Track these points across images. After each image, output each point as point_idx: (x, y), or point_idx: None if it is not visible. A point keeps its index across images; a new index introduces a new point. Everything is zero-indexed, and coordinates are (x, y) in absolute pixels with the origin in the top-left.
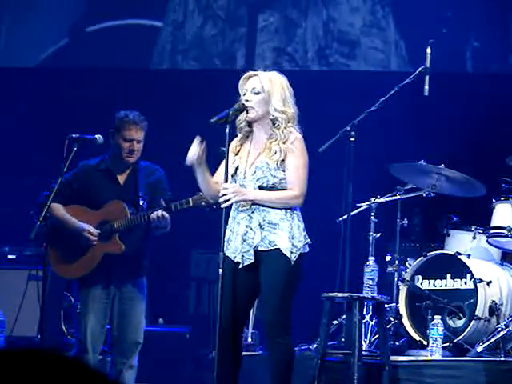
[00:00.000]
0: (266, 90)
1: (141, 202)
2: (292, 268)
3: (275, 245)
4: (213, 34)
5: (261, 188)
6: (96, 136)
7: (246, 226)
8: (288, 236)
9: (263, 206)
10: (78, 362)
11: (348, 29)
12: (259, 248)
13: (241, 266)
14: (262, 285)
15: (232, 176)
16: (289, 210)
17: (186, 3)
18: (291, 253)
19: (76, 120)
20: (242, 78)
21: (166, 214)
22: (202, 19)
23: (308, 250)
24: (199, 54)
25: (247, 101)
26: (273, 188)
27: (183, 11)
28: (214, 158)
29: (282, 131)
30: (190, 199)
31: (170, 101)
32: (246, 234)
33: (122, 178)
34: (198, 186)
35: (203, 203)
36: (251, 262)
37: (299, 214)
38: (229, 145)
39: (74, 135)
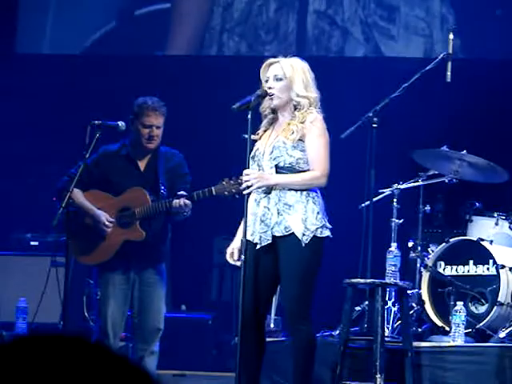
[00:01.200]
0: (287, 76)
1: (161, 189)
2: (306, 251)
3: (290, 230)
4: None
5: (277, 167)
6: (118, 122)
7: (264, 207)
8: (302, 218)
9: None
10: (101, 347)
11: None
12: (275, 234)
13: (258, 246)
14: (280, 271)
15: (252, 158)
16: (304, 193)
17: None
18: (303, 235)
19: (103, 108)
20: (263, 66)
21: (188, 202)
22: None
23: (327, 234)
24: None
25: (270, 88)
26: (290, 168)
27: None
28: (237, 145)
29: (302, 113)
30: (213, 188)
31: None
32: (264, 215)
33: (142, 164)
34: (221, 174)
35: (226, 193)
36: (269, 242)
37: (316, 197)
38: (251, 131)
39: (96, 121)
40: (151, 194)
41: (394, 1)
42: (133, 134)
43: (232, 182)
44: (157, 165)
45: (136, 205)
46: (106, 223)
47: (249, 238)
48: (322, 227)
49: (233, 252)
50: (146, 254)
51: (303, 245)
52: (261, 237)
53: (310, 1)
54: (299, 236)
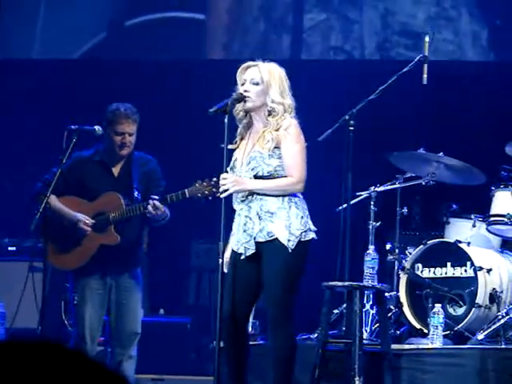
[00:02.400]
0: (264, 81)
1: (135, 194)
2: (291, 257)
3: (273, 235)
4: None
5: (256, 177)
6: (95, 127)
7: (246, 217)
8: (285, 224)
9: (261, 194)
10: (79, 353)
11: (410, 21)
12: (258, 240)
13: (243, 256)
14: (263, 276)
15: (231, 168)
16: (286, 199)
17: None
18: (288, 241)
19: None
20: (240, 68)
21: (159, 205)
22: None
23: (311, 237)
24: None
25: (246, 91)
26: (269, 176)
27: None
28: (214, 153)
29: (276, 120)
30: (186, 191)
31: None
32: (245, 225)
33: (116, 170)
34: (195, 176)
35: (199, 194)
36: (253, 252)
37: (298, 202)
38: (228, 135)
39: (73, 126)
40: (125, 199)
41: (418, 26)
42: (106, 139)
43: (205, 183)
44: (130, 170)
45: (110, 209)
46: (85, 221)
47: (233, 247)
48: (306, 231)
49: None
50: (122, 259)
51: (289, 250)
52: (245, 247)
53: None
54: (284, 242)
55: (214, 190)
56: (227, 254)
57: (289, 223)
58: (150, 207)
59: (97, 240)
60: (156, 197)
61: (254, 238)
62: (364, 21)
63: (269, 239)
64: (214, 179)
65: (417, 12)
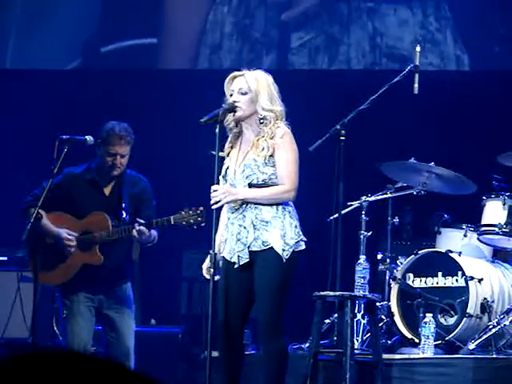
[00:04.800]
0: (253, 90)
1: (123, 214)
2: (285, 266)
3: (268, 244)
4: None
5: (250, 185)
6: (86, 137)
7: (240, 226)
8: (280, 234)
9: (255, 203)
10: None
11: (397, 44)
12: (252, 248)
13: (236, 265)
14: (255, 285)
15: (223, 177)
16: (280, 208)
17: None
18: (283, 251)
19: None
20: (227, 79)
21: (145, 230)
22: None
23: (304, 247)
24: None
25: (235, 101)
26: (263, 185)
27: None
28: (205, 160)
29: (270, 128)
30: (172, 218)
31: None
32: (239, 234)
33: (107, 189)
34: (182, 202)
35: (184, 223)
36: (246, 261)
37: (292, 211)
38: (219, 145)
39: (64, 136)
40: (113, 220)
41: (406, 50)
42: (99, 158)
43: (191, 212)
44: (121, 190)
45: (96, 229)
46: (68, 238)
47: (226, 255)
48: (299, 241)
49: (209, 267)
50: (108, 277)
51: (284, 260)
52: (239, 256)
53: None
54: (279, 252)
55: (199, 219)
56: (209, 260)
57: (283, 232)
58: (134, 231)
59: (81, 258)
60: (142, 221)
61: (249, 247)
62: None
63: (264, 248)
64: (201, 208)
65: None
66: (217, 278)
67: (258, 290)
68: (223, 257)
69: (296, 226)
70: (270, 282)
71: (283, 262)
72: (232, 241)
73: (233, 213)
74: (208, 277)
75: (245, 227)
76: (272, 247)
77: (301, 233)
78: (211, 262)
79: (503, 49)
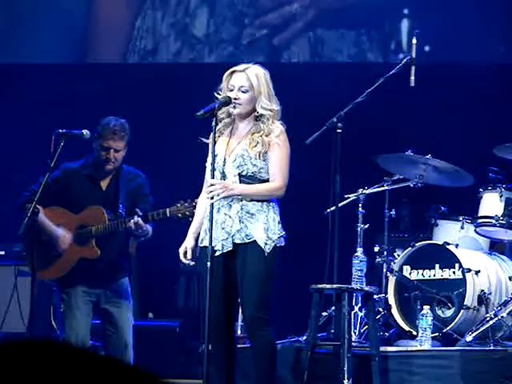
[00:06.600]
0: (254, 88)
1: (120, 209)
2: (267, 260)
3: (251, 237)
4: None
5: (240, 175)
6: (83, 131)
7: (225, 214)
8: (264, 227)
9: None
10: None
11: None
12: (235, 240)
13: (218, 253)
14: (240, 277)
15: (211, 164)
16: (265, 202)
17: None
18: (265, 244)
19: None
20: (226, 73)
21: (142, 223)
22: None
23: (284, 243)
24: None
25: (236, 99)
26: (252, 176)
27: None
28: (194, 148)
29: (267, 125)
30: (167, 210)
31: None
32: (224, 222)
33: (104, 183)
34: (178, 194)
35: (180, 215)
36: (229, 249)
37: (275, 206)
38: (214, 137)
39: (60, 130)
40: (109, 213)
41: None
42: (95, 152)
43: (187, 204)
44: (118, 184)
45: (93, 223)
46: (63, 239)
47: (206, 243)
48: (280, 237)
49: (186, 251)
50: (105, 271)
51: (265, 254)
52: (222, 244)
53: None
54: (261, 245)
55: (194, 211)
56: (186, 244)
57: (267, 226)
58: (131, 223)
59: (77, 252)
60: (140, 212)
61: (232, 237)
62: None
63: (247, 241)
64: (196, 200)
65: None
66: (192, 263)
67: (243, 283)
68: (203, 246)
69: (279, 222)
70: (254, 275)
71: (265, 256)
72: (217, 229)
73: (220, 200)
74: (185, 261)
75: (230, 216)
76: (255, 240)
77: (282, 229)
78: (208, 255)
79: (501, 42)
